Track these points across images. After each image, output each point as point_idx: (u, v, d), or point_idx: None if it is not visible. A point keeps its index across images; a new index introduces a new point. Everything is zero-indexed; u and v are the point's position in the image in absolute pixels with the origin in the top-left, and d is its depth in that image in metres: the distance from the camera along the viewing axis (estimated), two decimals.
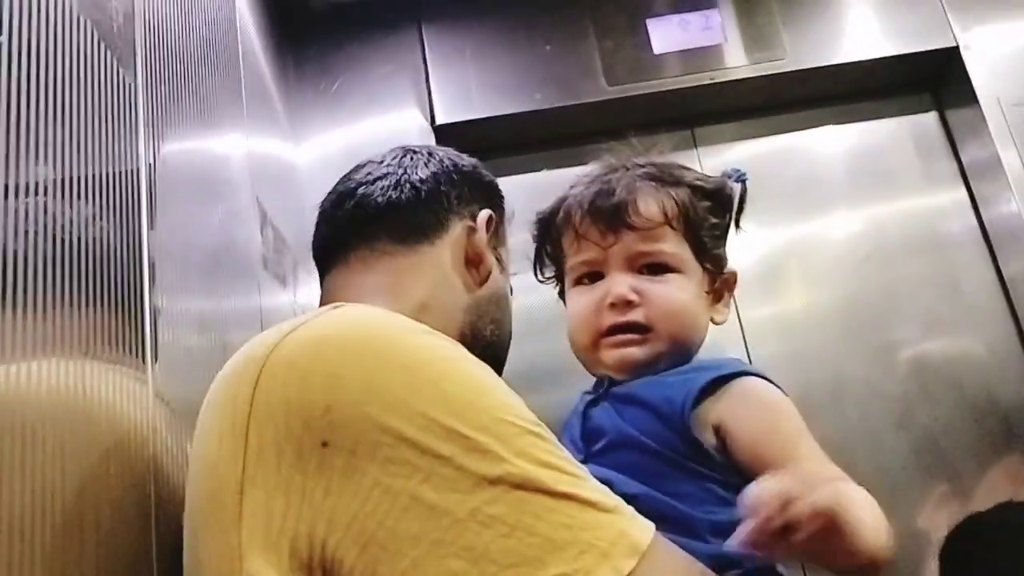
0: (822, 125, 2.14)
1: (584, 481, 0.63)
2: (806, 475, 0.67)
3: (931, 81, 2.13)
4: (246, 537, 0.61)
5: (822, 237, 2.08)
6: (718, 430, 0.81)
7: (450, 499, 0.58)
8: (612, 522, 0.61)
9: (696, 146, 2.10)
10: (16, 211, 0.61)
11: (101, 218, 0.75)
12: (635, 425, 0.83)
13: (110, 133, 0.80)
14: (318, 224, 1.00)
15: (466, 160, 1.03)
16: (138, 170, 0.86)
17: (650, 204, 0.93)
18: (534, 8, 2.05)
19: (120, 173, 0.81)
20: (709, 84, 2.01)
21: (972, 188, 2.06)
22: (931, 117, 2.13)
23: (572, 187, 1.00)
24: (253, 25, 1.65)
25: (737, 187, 1.00)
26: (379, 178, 0.97)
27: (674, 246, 0.93)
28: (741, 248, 2.02)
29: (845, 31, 2.07)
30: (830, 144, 2.13)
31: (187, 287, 0.96)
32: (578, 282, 0.97)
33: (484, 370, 0.69)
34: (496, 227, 0.99)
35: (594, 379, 0.97)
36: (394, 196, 0.95)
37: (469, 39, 2.04)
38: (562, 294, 1.03)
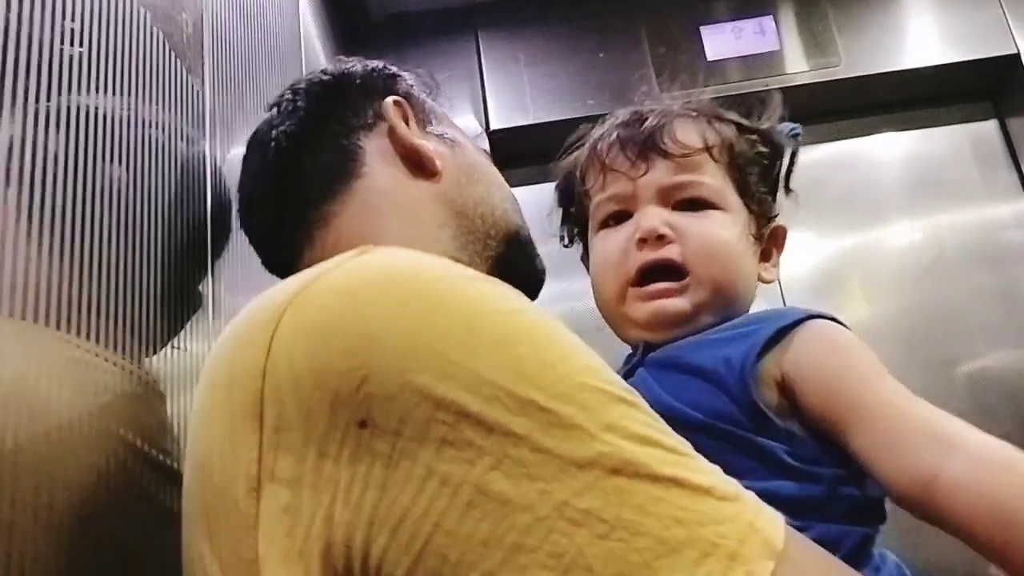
0: (879, 132, 2.11)
1: (693, 460, 0.49)
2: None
3: (991, 89, 2.09)
4: (264, 547, 0.47)
5: (879, 247, 2.04)
6: (783, 385, 0.66)
7: (529, 490, 0.45)
8: (737, 513, 0.47)
9: None
10: (92, 214, 0.65)
11: (170, 220, 0.79)
12: (680, 396, 0.67)
13: (180, 139, 0.83)
14: (254, 246, 0.87)
15: (334, 68, 0.87)
16: (205, 175, 0.89)
17: (688, 131, 0.80)
18: (587, 16, 2.06)
19: (189, 177, 0.84)
20: (763, 90, 1.99)
21: None
22: (991, 126, 2.09)
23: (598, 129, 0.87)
24: (316, 34, 1.69)
25: (790, 141, 0.87)
26: (260, 162, 0.84)
27: (716, 179, 0.79)
28: (797, 257, 2.05)
29: (902, 37, 2.04)
30: (887, 152, 2.10)
31: (252, 289, 0.99)
32: (603, 225, 0.82)
33: (556, 323, 0.53)
34: (413, 106, 0.84)
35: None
36: (279, 163, 0.81)
37: (524, 46, 2.06)
38: (587, 256, 0.88)
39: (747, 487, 0.54)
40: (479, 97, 2.03)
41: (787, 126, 0.87)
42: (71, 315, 0.60)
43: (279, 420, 0.48)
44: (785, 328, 0.69)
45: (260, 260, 0.87)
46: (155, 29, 0.80)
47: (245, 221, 0.87)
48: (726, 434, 0.64)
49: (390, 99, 0.82)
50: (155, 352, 0.73)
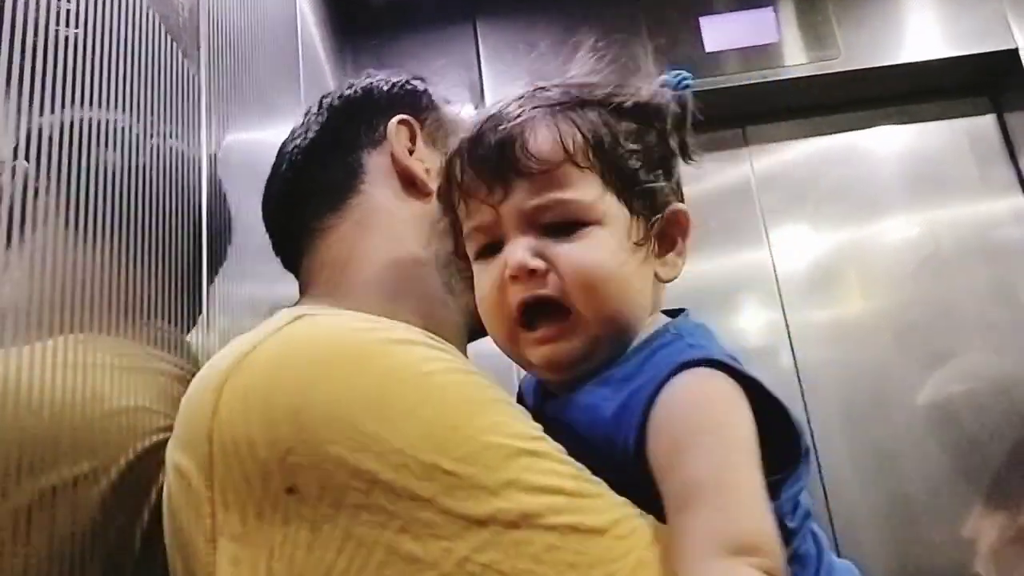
0: (876, 126, 2.11)
1: (594, 499, 0.54)
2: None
3: (989, 84, 2.09)
4: None
5: (876, 241, 2.05)
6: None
7: (434, 549, 0.50)
8: (628, 550, 0.51)
9: (747, 144, 2.08)
10: (82, 199, 0.64)
11: (163, 204, 0.78)
12: (579, 457, 0.60)
13: (174, 121, 0.83)
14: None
15: (360, 83, 0.90)
16: (200, 159, 0.89)
17: (544, 137, 0.68)
18: (586, 5, 2.05)
19: (184, 162, 0.84)
20: (761, 82, 2.00)
21: None
22: (989, 120, 2.09)
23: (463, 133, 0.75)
24: (313, 19, 1.68)
25: (670, 97, 0.74)
26: (278, 170, 0.89)
27: (582, 190, 0.68)
28: (793, 251, 2.05)
29: (901, 31, 2.03)
30: (885, 146, 2.10)
31: (244, 274, 0.99)
32: (478, 256, 0.72)
33: (472, 380, 0.59)
34: (427, 123, 0.87)
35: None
36: (291, 176, 0.87)
37: (522, 35, 2.04)
38: None
39: None
40: (476, 84, 2.02)
41: (673, 76, 0.76)
42: (62, 313, 0.59)
43: (225, 482, 0.54)
44: (654, 395, 0.60)
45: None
46: (151, 11, 0.79)
47: (264, 219, 0.92)
48: (638, 491, 0.58)
49: (395, 118, 0.85)
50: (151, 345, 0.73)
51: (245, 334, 0.63)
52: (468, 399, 0.57)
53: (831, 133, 2.11)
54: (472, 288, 0.74)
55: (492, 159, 0.69)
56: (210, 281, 0.87)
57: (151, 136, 0.77)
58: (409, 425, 0.53)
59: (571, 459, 0.56)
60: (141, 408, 0.68)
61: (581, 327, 0.67)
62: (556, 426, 0.64)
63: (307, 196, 0.86)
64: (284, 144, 0.91)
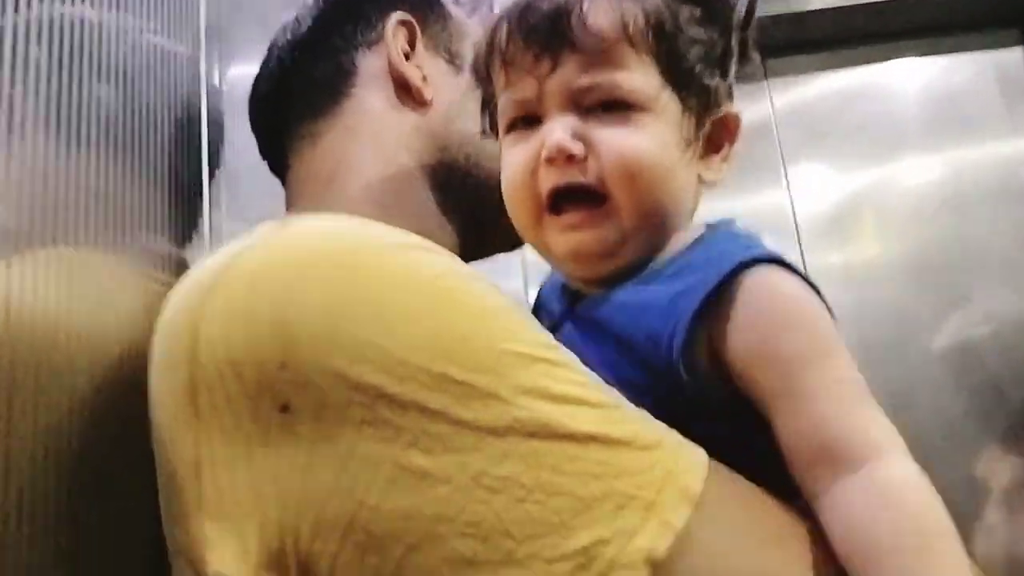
0: (899, 57, 2.04)
1: (616, 410, 0.50)
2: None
3: (1019, 15, 2.00)
4: (208, 526, 0.49)
5: (896, 180, 1.98)
6: (713, 358, 0.58)
7: (448, 463, 0.46)
8: (655, 462, 0.48)
9: (767, 78, 2.02)
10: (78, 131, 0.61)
11: (160, 112, 0.75)
12: (609, 371, 0.56)
13: (172, 21, 0.79)
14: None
15: None
16: (200, 90, 0.86)
17: (602, 12, 0.63)
18: None
19: (183, 93, 0.81)
20: (781, 14, 1.92)
21: None
22: (1017, 54, 2.01)
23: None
24: None
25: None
26: (266, 67, 0.83)
27: (637, 74, 0.64)
28: (810, 190, 2.01)
29: None
30: (907, 80, 2.03)
31: (252, 210, 0.96)
32: (511, 127, 0.68)
33: (478, 286, 0.54)
34: (431, 23, 0.81)
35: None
36: (279, 73, 0.80)
37: None
38: None
39: None
40: None
41: None
42: (51, 224, 0.57)
43: (211, 406, 0.50)
44: (720, 284, 0.58)
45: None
46: None
47: (250, 120, 0.86)
48: (662, 405, 0.55)
49: (395, 17, 0.79)
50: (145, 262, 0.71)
51: (222, 249, 0.57)
52: (476, 305, 0.52)
53: (853, 66, 2.04)
54: (471, 210, 0.72)
55: (543, 28, 0.64)
56: (211, 194, 0.84)
57: (147, 35, 0.73)
58: (413, 333, 0.48)
59: (588, 370, 0.52)
60: (128, 328, 0.64)
61: (614, 217, 0.64)
62: (587, 327, 0.63)
63: (295, 96, 0.80)
64: (275, 38, 0.84)
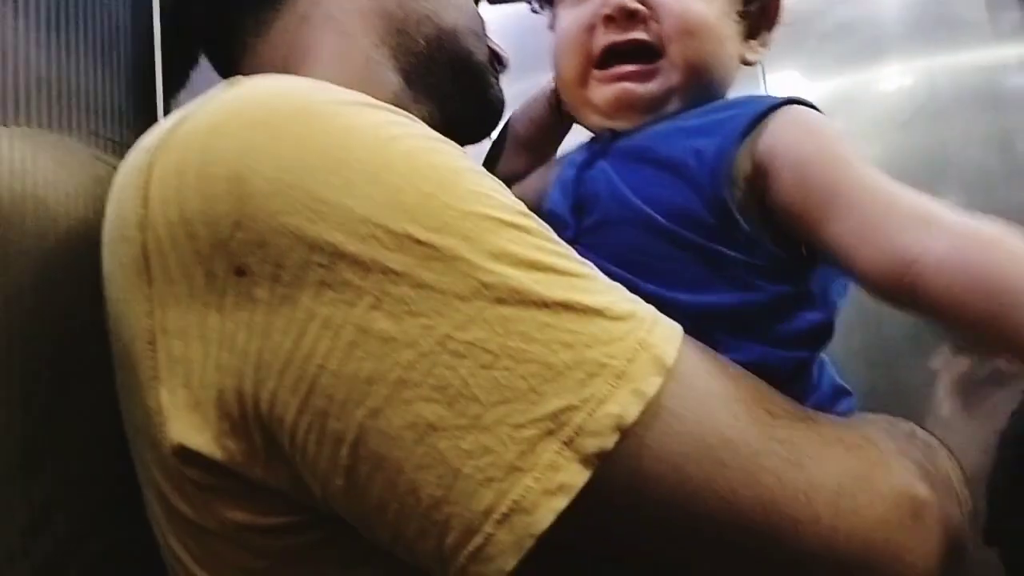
0: None
1: (587, 280, 0.49)
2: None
3: None
4: (165, 397, 0.48)
5: (872, 85, 1.97)
6: (754, 178, 0.60)
7: (411, 326, 0.44)
8: (628, 331, 0.46)
9: None
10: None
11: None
12: (642, 191, 0.61)
13: None
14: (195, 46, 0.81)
15: None
16: None
17: None
18: None
19: None
20: None
21: None
22: None
23: None
24: None
25: None
26: None
27: None
28: (786, 92, 1.96)
29: None
30: None
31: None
32: None
33: (441, 147, 0.51)
34: None
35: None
36: None
37: None
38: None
39: (689, 300, 0.57)
40: None
41: None
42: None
43: (163, 272, 0.48)
44: (761, 115, 0.61)
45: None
46: None
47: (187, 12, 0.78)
48: (683, 240, 0.59)
49: None
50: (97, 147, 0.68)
51: (174, 113, 0.54)
52: (441, 165, 0.49)
53: None
54: (435, 97, 0.71)
55: None
56: (168, 80, 0.80)
57: None
58: (374, 191, 0.46)
59: (560, 240, 0.51)
60: (78, 208, 0.62)
61: (665, 73, 0.67)
62: (624, 158, 0.65)
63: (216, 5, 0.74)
64: None
